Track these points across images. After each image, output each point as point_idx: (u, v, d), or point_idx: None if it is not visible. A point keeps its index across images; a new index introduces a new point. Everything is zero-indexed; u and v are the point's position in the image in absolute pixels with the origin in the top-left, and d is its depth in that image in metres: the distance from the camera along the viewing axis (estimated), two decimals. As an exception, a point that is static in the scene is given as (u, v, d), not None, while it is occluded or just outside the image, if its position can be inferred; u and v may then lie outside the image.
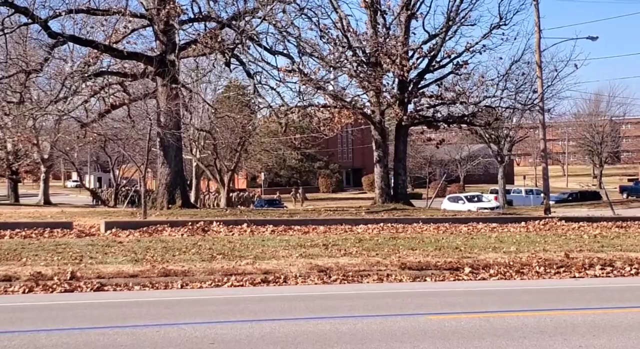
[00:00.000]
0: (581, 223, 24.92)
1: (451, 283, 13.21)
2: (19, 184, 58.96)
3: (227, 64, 31.09)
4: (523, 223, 24.52)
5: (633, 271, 14.40)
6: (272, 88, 31.73)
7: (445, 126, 39.72)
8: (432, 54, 36.08)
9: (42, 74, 32.81)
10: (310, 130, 52.65)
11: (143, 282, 12.55)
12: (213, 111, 42.87)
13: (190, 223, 21.77)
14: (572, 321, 9.17)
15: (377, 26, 35.82)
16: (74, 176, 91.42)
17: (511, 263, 14.55)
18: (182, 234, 20.19)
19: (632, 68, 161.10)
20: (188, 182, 48.79)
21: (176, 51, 29.29)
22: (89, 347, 7.80)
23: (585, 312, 9.88)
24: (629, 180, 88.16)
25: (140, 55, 31.32)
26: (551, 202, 39.16)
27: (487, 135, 51.70)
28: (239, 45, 28.95)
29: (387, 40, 35.18)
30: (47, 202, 49.46)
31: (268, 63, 30.71)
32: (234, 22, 28.99)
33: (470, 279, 13.56)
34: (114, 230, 20.62)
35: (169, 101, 30.16)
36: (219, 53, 29.87)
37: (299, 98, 32.20)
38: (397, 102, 36.01)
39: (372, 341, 8.06)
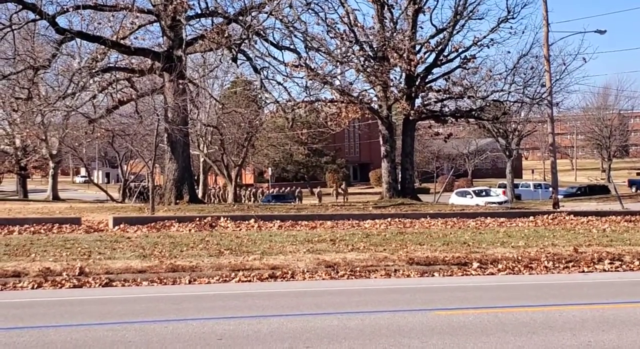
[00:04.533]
0: (590, 217, 24.80)
1: (459, 278, 13.19)
2: (28, 179, 59.23)
3: (234, 59, 31.08)
4: (531, 218, 24.43)
5: (642, 266, 14.33)
6: (279, 83, 31.67)
7: (453, 120, 39.57)
8: (439, 48, 35.93)
9: (50, 70, 32.90)
10: (317, 125, 52.60)
11: (151, 277, 12.58)
12: (220, 106, 42.91)
13: (197, 219, 21.81)
14: (581, 316, 9.14)
15: (384, 20, 35.69)
16: (83, 171, 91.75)
17: (520, 258, 14.50)
18: (189, 230, 20.22)
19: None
20: (195, 177, 48.90)
21: (183, 47, 29.31)
22: (98, 343, 7.82)
23: (594, 307, 9.83)
24: (638, 174, 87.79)
25: (148, 51, 31.38)
26: (560, 197, 38.98)
27: (495, 129, 51.52)
28: (246, 41, 28.91)
29: (395, 34, 35.07)
30: (56, 198, 49.65)
31: (275, 58, 30.69)
32: (240, 18, 28.97)
33: (479, 274, 13.53)
34: (122, 226, 20.68)
35: (176, 96, 30.19)
36: (226, 48, 29.87)
37: (306, 93, 32.15)
38: (405, 96, 35.90)
39: (380, 336, 8.04)
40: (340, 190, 60.97)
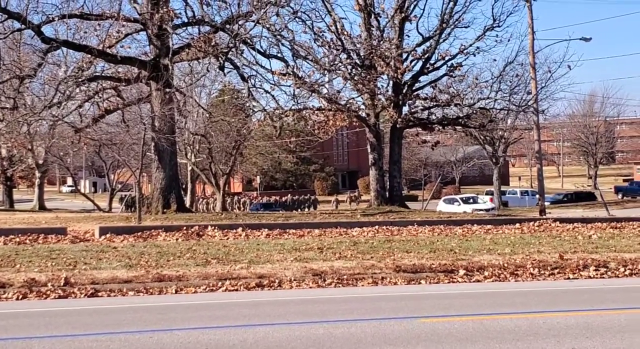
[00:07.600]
0: (576, 224, 24.95)
1: (446, 286, 13.23)
2: (14, 189, 58.80)
3: (221, 67, 31.06)
4: (518, 225, 24.54)
5: (627, 272, 14.45)
6: (266, 91, 31.69)
7: (440, 127, 39.75)
8: (426, 56, 36.11)
9: (35, 80, 32.71)
10: (305, 133, 52.68)
11: (137, 287, 12.53)
12: (207, 114, 42.87)
13: (185, 228, 21.73)
14: (566, 323, 9.19)
15: (371, 29, 35.85)
16: (69, 181, 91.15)
17: (505, 265, 14.57)
18: (176, 239, 20.15)
19: (626, 69, 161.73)
20: (183, 186, 48.77)
21: (170, 55, 29.24)
22: (82, 354, 7.78)
23: (578, 313, 9.90)
24: (624, 180, 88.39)
25: (134, 60, 31.30)
26: (546, 203, 39.20)
27: (481, 136, 51.78)
28: (233, 49, 28.92)
29: (381, 42, 35.21)
30: (42, 208, 49.34)
31: (262, 66, 30.77)
32: (227, 26, 28.97)
33: (465, 282, 13.58)
34: (108, 235, 20.56)
35: (163, 105, 30.12)
36: (213, 57, 29.86)
37: (294, 101, 32.21)
38: (392, 104, 36.02)
39: (365, 344, 8.06)
40: (353, 197, 61.94)
